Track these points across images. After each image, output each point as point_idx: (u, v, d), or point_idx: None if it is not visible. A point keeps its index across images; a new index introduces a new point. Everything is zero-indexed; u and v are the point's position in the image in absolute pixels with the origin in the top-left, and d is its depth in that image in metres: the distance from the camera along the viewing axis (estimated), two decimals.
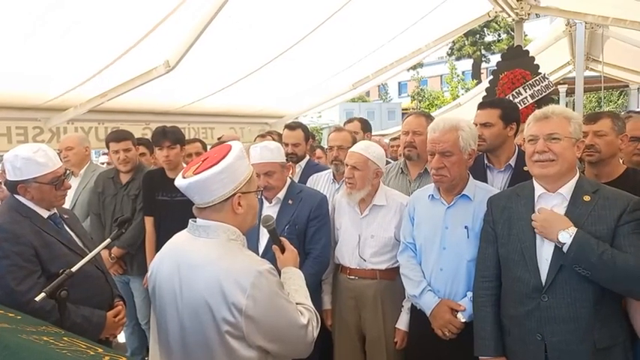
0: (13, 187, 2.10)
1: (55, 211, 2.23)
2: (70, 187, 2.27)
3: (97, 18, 3.05)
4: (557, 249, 1.84)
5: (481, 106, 2.76)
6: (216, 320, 1.46)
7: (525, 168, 2.06)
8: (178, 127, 3.61)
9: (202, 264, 1.51)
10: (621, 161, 2.67)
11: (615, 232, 1.79)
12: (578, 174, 1.93)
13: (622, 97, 17.76)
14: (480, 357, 2.03)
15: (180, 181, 1.54)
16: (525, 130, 1.99)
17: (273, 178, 2.62)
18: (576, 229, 1.78)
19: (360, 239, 2.62)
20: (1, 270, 1.93)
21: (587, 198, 1.86)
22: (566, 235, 1.77)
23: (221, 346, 1.47)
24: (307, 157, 3.71)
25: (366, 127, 4.00)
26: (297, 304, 1.61)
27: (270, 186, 2.62)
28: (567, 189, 1.90)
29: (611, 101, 18.14)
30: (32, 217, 2.10)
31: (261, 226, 2.51)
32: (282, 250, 1.85)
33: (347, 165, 2.61)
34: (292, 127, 3.64)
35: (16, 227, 2.02)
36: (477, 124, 2.61)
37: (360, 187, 2.57)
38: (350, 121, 4.18)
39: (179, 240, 1.65)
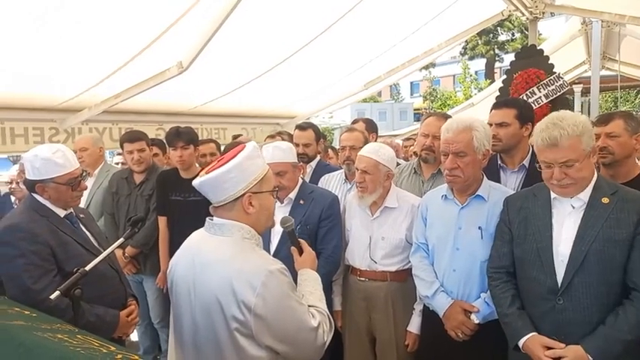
0: (31, 186, 2.14)
1: (72, 210, 2.26)
2: (86, 188, 2.31)
3: (111, 20, 3.09)
4: (574, 251, 1.81)
5: (497, 106, 2.73)
6: (226, 318, 1.47)
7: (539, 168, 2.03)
8: (192, 128, 3.63)
9: (215, 261, 1.52)
10: (638, 162, 2.62)
11: (635, 240, 1.75)
12: (596, 175, 1.90)
13: (639, 96, 17.45)
14: (518, 344, 1.92)
15: (195, 180, 1.58)
16: (536, 149, 1.91)
17: (285, 178, 2.62)
18: (583, 346, 1.73)
19: (370, 241, 2.61)
20: (17, 268, 1.96)
21: (605, 200, 1.83)
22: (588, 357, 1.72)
23: (230, 344, 1.48)
24: (318, 157, 3.70)
25: (371, 127, 3.98)
26: (310, 306, 1.60)
27: (282, 186, 2.62)
28: (585, 192, 1.86)
29: (627, 101, 17.81)
30: (49, 216, 2.13)
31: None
32: (301, 251, 1.83)
33: (357, 169, 2.59)
34: (303, 127, 3.64)
35: (33, 226, 2.05)
36: (491, 124, 2.58)
37: (371, 190, 2.56)
38: (355, 121, 4.17)
39: (196, 238, 1.68)
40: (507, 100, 3.05)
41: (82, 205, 3.05)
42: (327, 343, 1.60)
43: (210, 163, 1.63)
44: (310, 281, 1.73)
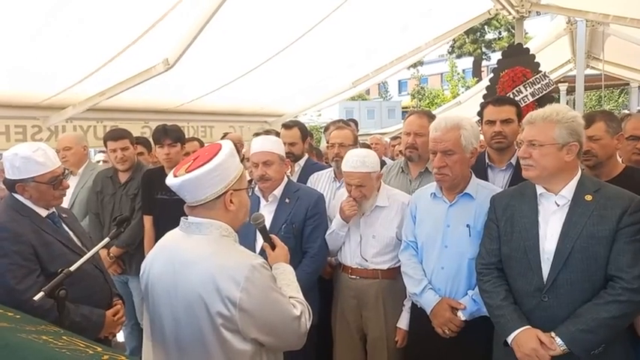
0: (11, 185, 2.09)
1: (54, 210, 2.22)
2: (68, 187, 2.27)
3: (96, 16, 3.04)
4: (559, 248, 1.83)
5: (501, 102, 2.73)
6: (211, 314, 1.48)
7: None
8: (179, 126, 3.60)
9: (196, 260, 1.52)
10: (620, 160, 2.66)
11: (616, 235, 1.78)
12: (579, 173, 1.92)
13: (622, 95, 17.74)
14: (507, 339, 1.88)
15: (172, 180, 1.56)
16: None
17: (271, 168, 2.59)
18: (555, 335, 1.76)
19: (361, 239, 2.62)
20: (0, 268, 1.93)
21: (588, 197, 1.85)
22: (558, 341, 1.75)
23: (216, 341, 1.49)
24: (306, 155, 3.69)
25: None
26: (290, 297, 1.64)
27: (268, 176, 2.59)
28: (569, 189, 1.89)
29: (611, 99, 18.11)
30: (31, 216, 2.10)
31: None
32: (273, 247, 1.88)
33: (351, 185, 2.54)
34: (289, 126, 3.62)
35: (15, 226, 2.01)
36: (495, 121, 2.60)
37: (368, 197, 2.58)
38: (327, 129, 4.21)
39: (171, 238, 1.67)
40: (507, 97, 3.15)
41: (66, 204, 3.01)
42: (307, 331, 1.65)
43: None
44: (286, 274, 1.77)
